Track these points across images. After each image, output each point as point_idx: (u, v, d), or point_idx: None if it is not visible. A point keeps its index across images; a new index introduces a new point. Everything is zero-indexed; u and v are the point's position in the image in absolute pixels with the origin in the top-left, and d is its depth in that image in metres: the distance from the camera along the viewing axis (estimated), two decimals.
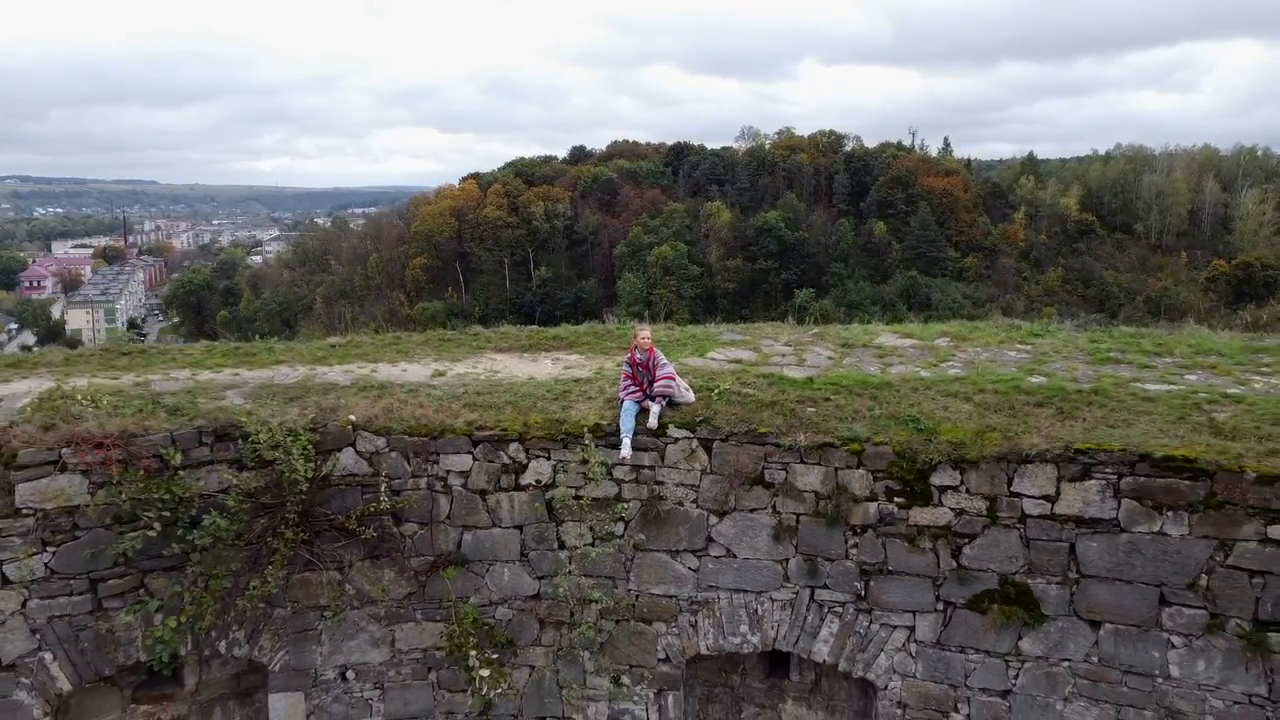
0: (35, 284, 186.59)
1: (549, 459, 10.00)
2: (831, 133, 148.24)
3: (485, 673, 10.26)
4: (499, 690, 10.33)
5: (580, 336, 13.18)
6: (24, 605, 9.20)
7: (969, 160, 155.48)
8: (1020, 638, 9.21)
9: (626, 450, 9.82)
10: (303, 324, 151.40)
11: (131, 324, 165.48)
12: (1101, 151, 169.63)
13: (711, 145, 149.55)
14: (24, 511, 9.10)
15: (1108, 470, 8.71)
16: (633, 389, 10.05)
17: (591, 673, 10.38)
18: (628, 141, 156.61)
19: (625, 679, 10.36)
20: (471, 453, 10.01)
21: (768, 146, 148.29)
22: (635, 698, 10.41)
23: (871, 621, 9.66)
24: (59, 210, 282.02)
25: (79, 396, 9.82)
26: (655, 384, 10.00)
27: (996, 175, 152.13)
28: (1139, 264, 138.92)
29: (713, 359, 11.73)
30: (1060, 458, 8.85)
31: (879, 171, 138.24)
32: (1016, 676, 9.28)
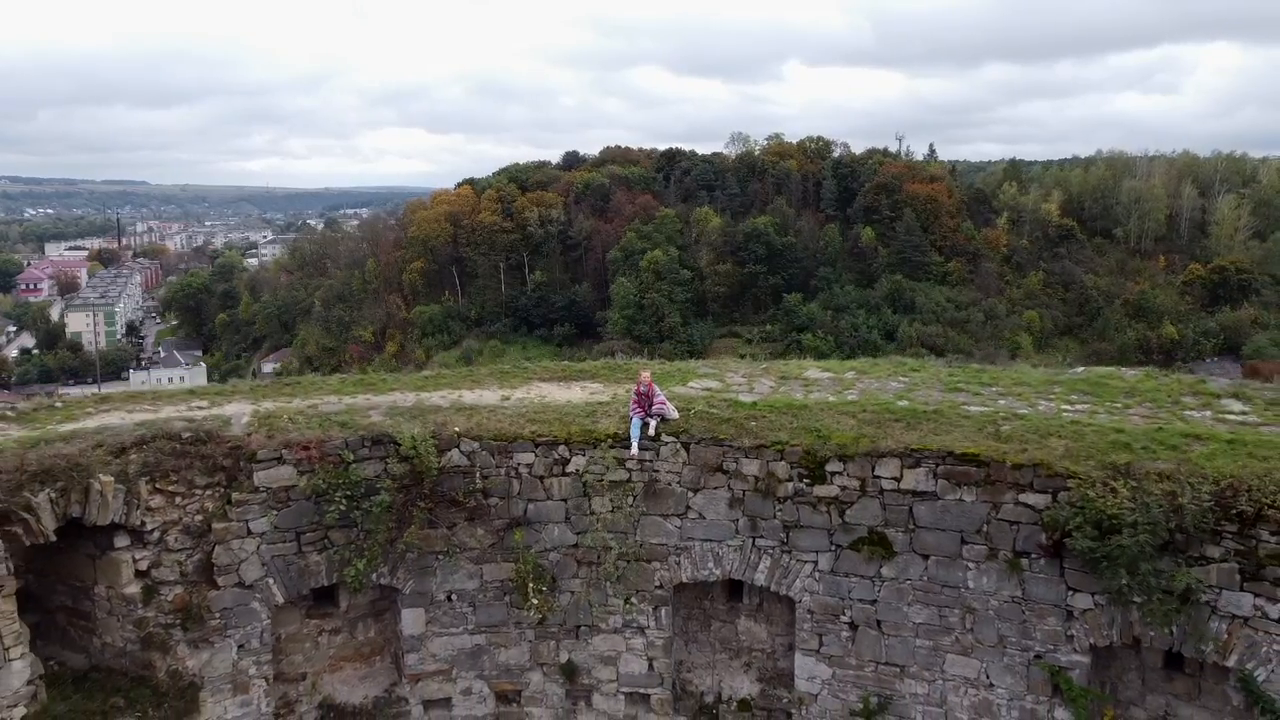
0: (32, 286, 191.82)
1: (584, 455, 15.72)
2: (820, 139, 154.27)
3: (540, 596, 15.99)
4: (549, 608, 16.05)
5: (600, 370, 18.94)
6: (258, 548, 14.90)
7: (953, 166, 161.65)
8: (881, 566, 14.96)
9: (634, 450, 15.56)
10: (301, 327, 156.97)
11: (130, 327, 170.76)
12: (1088, 152, 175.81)
13: (701, 147, 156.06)
14: (259, 489, 14.80)
15: (930, 461, 14.48)
16: (638, 410, 15.77)
17: (611, 596, 16.10)
18: (620, 147, 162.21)
19: (634, 599, 16.10)
20: (534, 451, 15.73)
21: (757, 152, 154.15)
22: (640, 612, 16.15)
23: (791, 558, 15.40)
24: (49, 211, 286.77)
25: (283, 416, 15.54)
26: (653, 407, 15.72)
27: (980, 181, 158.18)
28: (1118, 268, 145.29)
29: (691, 388, 17.49)
30: (903, 454, 14.61)
31: (865, 178, 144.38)
32: (879, 590, 15.04)
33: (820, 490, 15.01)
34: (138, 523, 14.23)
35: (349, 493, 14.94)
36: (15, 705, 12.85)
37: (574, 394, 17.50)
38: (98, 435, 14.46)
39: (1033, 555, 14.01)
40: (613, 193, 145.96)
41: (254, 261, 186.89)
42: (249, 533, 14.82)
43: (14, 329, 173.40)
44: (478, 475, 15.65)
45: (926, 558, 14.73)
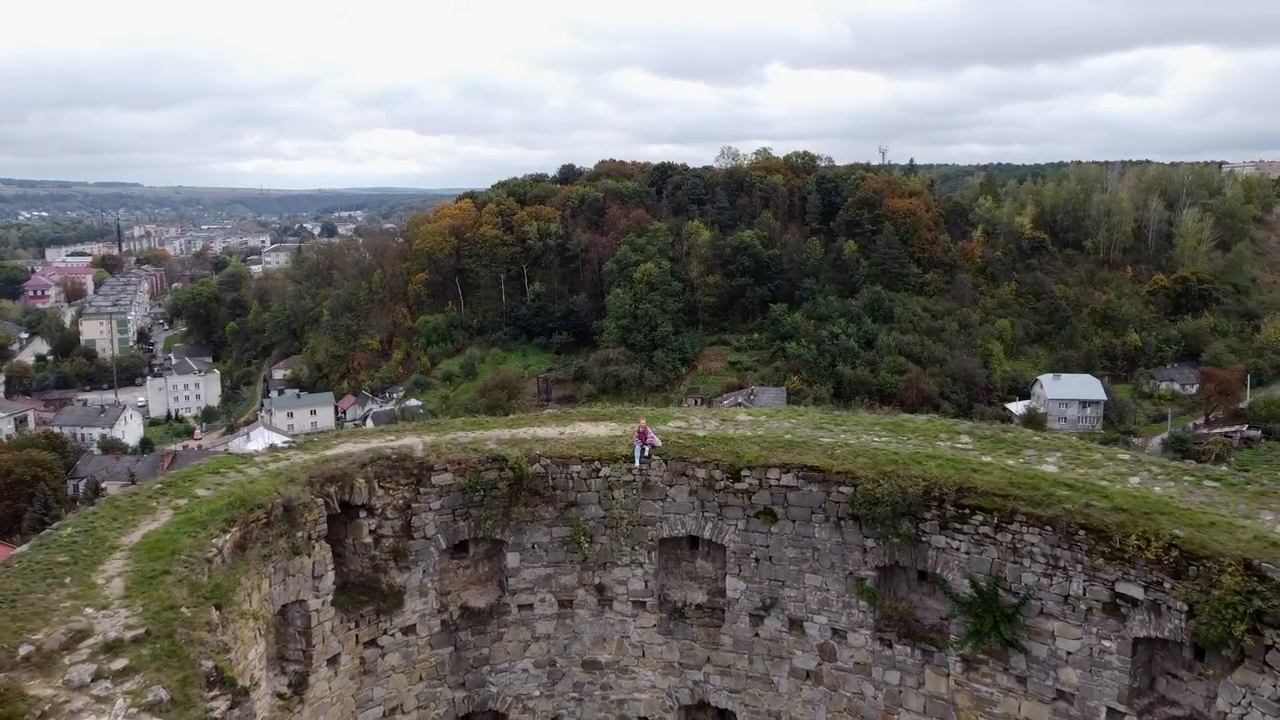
0: (39, 293, 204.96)
1: (608, 466, 29.43)
2: (805, 154, 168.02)
3: (584, 545, 29.72)
4: (590, 553, 29.78)
5: (616, 414, 32.71)
6: (433, 518, 28.60)
7: (932, 181, 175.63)
8: (771, 527, 28.71)
9: (636, 464, 29.30)
10: (310, 335, 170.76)
11: (141, 335, 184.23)
12: (1073, 153, 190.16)
13: (692, 150, 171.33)
14: (434, 486, 28.51)
15: (795, 469, 28.22)
16: (638, 441, 29.49)
17: (624, 546, 29.83)
18: (614, 160, 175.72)
19: (636, 548, 29.85)
20: (580, 464, 29.47)
21: (746, 166, 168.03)
22: (640, 555, 29.91)
23: (724, 523, 29.13)
24: (44, 214, 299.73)
25: (442, 445, 29.28)
26: (647, 439, 29.46)
27: (958, 194, 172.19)
28: (1087, 278, 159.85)
29: (669, 426, 31.26)
30: (781, 465, 28.34)
31: (848, 192, 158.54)
32: (770, 540, 28.78)
33: (738, 485, 28.76)
34: (372, 504, 27.91)
35: (481, 488, 28.64)
36: (328, 594, 26.57)
37: (601, 430, 31.29)
38: (350, 456, 28.20)
39: (844, 519, 27.81)
40: (607, 206, 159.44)
41: (257, 269, 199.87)
42: (429, 510, 28.57)
43: (26, 335, 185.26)
44: (550, 478, 29.39)
45: (794, 521, 28.49)
